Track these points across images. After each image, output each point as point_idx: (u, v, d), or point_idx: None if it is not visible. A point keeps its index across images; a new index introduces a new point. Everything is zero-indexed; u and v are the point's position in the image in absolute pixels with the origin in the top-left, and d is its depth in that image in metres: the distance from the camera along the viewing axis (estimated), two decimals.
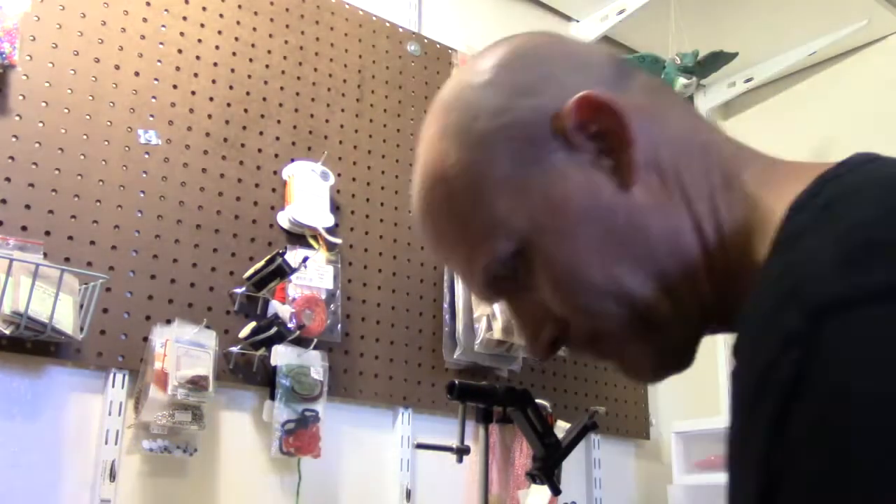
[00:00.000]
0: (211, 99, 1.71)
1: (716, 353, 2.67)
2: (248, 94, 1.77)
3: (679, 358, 0.62)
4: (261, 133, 1.77)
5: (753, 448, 0.40)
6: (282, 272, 1.61)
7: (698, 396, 2.58)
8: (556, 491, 1.62)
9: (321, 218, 1.76)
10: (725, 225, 0.55)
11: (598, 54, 0.61)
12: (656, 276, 0.55)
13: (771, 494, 0.39)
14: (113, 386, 1.48)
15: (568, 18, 2.60)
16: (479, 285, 0.60)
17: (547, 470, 1.60)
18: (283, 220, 1.74)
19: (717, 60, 2.28)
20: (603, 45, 0.55)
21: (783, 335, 0.40)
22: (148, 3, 1.67)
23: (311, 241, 1.77)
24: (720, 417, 2.47)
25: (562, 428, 1.80)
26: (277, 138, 1.79)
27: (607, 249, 0.55)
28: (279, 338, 1.61)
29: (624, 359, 0.60)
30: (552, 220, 0.56)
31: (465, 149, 0.57)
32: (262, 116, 1.78)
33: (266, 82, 1.80)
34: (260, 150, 1.75)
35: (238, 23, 1.79)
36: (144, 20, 1.66)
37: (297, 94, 1.84)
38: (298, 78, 1.85)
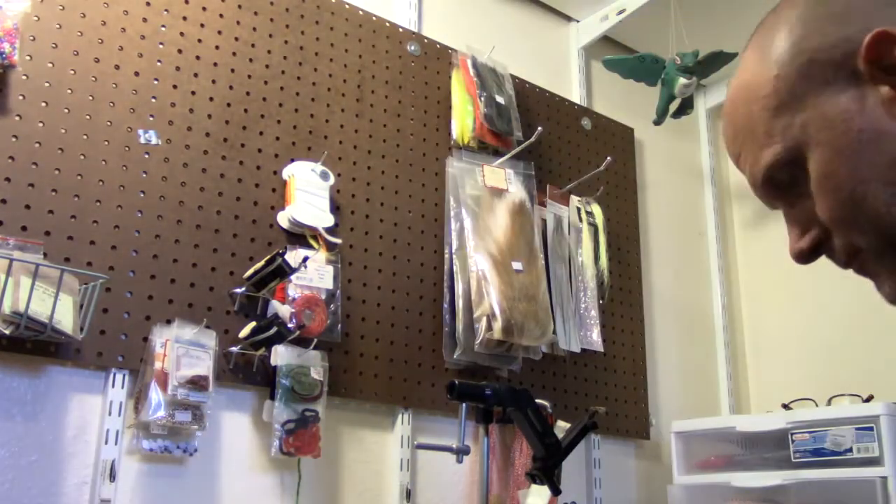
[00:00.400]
0: (211, 99, 1.71)
1: (716, 353, 2.68)
2: (248, 94, 1.77)
3: None
4: (261, 133, 1.77)
5: None
6: (282, 272, 1.61)
7: (698, 396, 2.58)
8: (556, 491, 1.62)
9: (321, 218, 1.76)
10: None
11: None
12: None
13: None
14: (113, 386, 1.48)
15: (568, 18, 2.60)
16: (759, 185, 0.69)
17: (547, 470, 1.60)
18: (283, 220, 1.74)
19: (717, 60, 2.28)
20: None
21: None
22: (148, 3, 1.67)
23: (311, 241, 1.77)
24: (720, 417, 2.48)
25: (562, 428, 1.80)
26: (277, 138, 1.79)
27: (873, 172, 0.62)
28: (279, 338, 1.61)
29: (877, 277, 0.67)
30: (829, 137, 0.63)
31: (770, 64, 0.66)
32: (262, 116, 1.78)
33: (266, 82, 1.80)
34: (260, 150, 1.76)
35: (238, 23, 1.79)
36: (144, 20, 1.66)
37: (297, 94, 1.84)
38: (298, 78, 1.85)
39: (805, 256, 0.70)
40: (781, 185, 0.68)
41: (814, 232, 0.68)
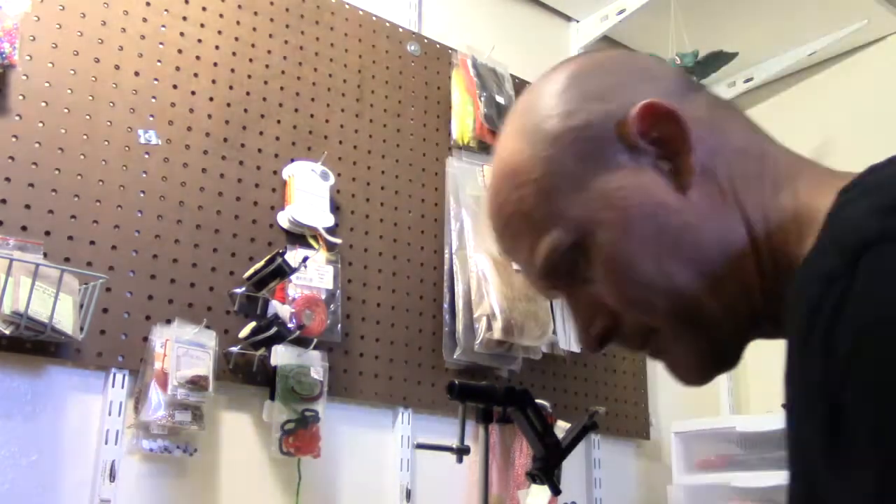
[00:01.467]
0: (211, 99, 1.71)
1: None
2: (248, 94, 1.77)
3: (725, 357, 0.65)
4: (261, 133, 1.77)
5: (811, 381, 0.45)
6: (282, 272, 1.61)
7: (698, 396, 2.58)
8: (556, 491, 1.62)
9: (321, 218, 1.76)
10: (776, 229, 0.58)
11: (667, 69, 0.66)
12: (705, 274, 0.59)
13: (835, 418, 0.42)
14: (113, 386, 1.48)
15: (568, 18, 2.60)
16: (538, 276, 0.64)
17: (547, 470, 1.60)
18: (283, 220, 1.74)
19: (717, 60, 2.28)
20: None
21: (826, 276, 0.45)
22: (148, 3, 1.67)
23: (311, 241, 1.77)
24: (720, 417, 2.48)
25: (562, 428, 1.80)
26: (277, 138, 1.79)
27: (660, 247, 0.59)
28: (279, 338, 1.61)
29: (672, 357, 0.63)
30: (610, 215, 0.60)
31: (536, 146, 0.62)
32: (262, 116, 1.78)
33: (266, 82, 1.80)
34: (260, 150, 1.75)
35: (238, 23, 1.79)
36: (144, 20, 1.66)
37: (297, 94, 1.84)
38: (298, 78, 1.85)
39: (596, 346, 0.65)
40: (561, 272, 0.63)
41: (601, 320, 0.63)
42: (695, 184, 0.59)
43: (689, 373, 0.65)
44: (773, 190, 0.59)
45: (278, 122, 1.80)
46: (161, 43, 1.67)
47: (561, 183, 0.61)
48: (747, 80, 2.79)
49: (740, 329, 0.63)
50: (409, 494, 1.82)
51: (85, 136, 1.53)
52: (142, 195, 1.58)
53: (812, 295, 0.46)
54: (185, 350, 1.50)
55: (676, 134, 0.59)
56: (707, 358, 0.64)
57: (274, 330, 1.59)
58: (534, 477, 1.62)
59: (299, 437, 1.61)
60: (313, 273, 1.72)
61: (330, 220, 1.77)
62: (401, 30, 2.08)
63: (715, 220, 0.59)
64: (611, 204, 0.60)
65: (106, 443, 1.44)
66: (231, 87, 1.74)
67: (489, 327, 1.88)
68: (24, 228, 1.43)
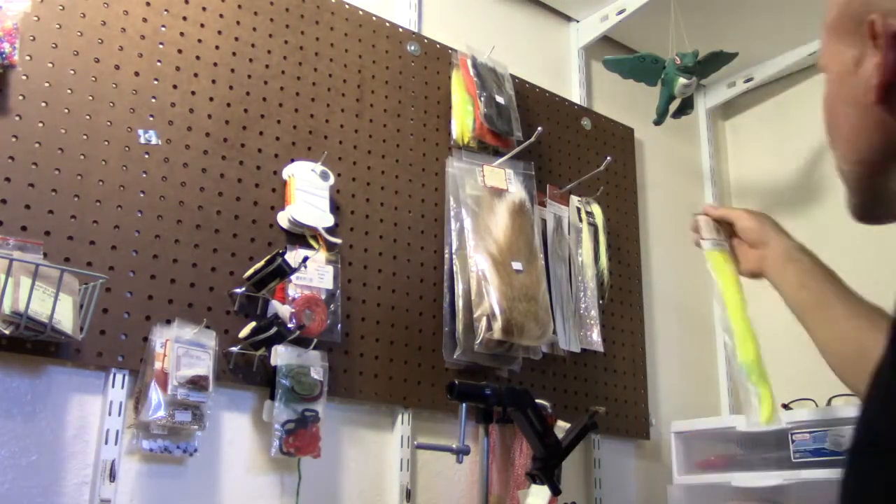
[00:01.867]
0: (211, 99, 1.71)
1: (716, 353, 2.67)
2: (248, 94, 1.77)
3: (858, 217, 0.80)
4: (261, 133, 1.77)
5: None
6: (282, 272, 1.61)
7: (698, 396, 2.58)
8: (556, 491, 1.62)
9: (321, 218, 1.76)
10: None
11: None
12: (863, 164, 0.75)
13: None
14: (113, 386, 1.48)
15: (568, 18, 2.60)
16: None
17: (547, 470, 1.60)
18: (283, 220, 1.74)
19: (717, 60, 2.28)
20: None
21: None
22: (148, 3, 1.67)
23: (311, 241, 1.77)
24: (720, 417, 2.48)
25: (562, 428, 1.80)
26: (277, 138, 1.79)
27: (841, 133, 0.76)
28: (279, 338, 1.61)
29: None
30: (832, 78, 0.77)
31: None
32: (262, 116, 1.78)
33: (266, 82, 1.80)
34: (260, 150, 1.76)
35: (238, 23, 1.79)
36: (144, 20, 1.66)
37: (297, 94, 1.84)
38: (298, 78, 1.85)
39: None
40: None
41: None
42: (880, 100, 0.69)
43: (849, 208, 0.81)
44: None
45: (278, 122, 1.80)
46: (161, 43, 1.67)
47: (830, 26, 0.76)
48: (747, 80, 2.79)
49: (881, 206, 0.77)
50: (409, 494, 1.82)
51: (85, 136, 1.53)
52: (142, 195, 1.58)
53: None
54: (185, 350, 1.50)
55: (885, 56, 0.68)
56: (853, 214, 0.80)
57: (274, 330, 1.59)
58: (534, 477, 1.62)
59: (299, 437, 1.61)
60: (313, 273, 1.72)
61: (330, 220, 1.77)
62: (401, 30, 2.08)
63: (883, 135, 0.71)
64: (836, 72, 0.75)
65: (106, 443, 1.44)
66: (231, 87, 1.74)
67: (489, 327, 1.88)
68: (24, 228, 1.43)
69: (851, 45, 0.72)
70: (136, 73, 1.62)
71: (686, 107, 2.35)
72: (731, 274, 1.69)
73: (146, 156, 1.60)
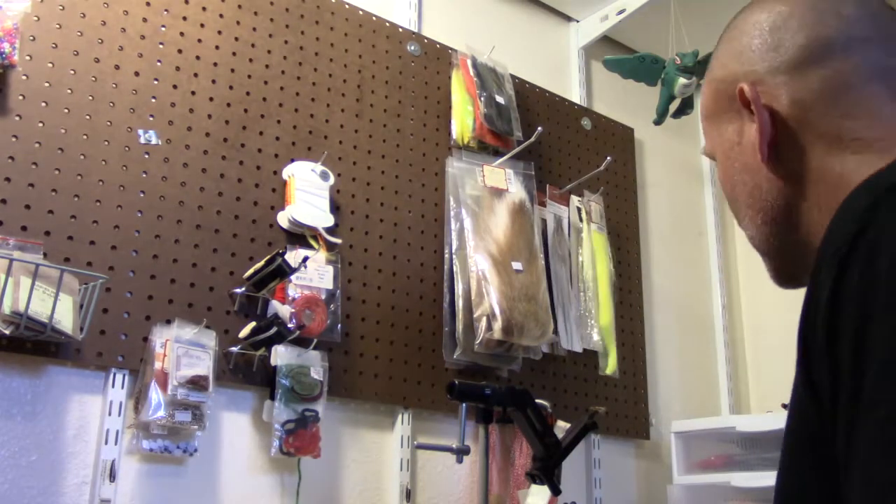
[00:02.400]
0: (211, 99, 1.71)
1: (716, 353, 2.68)
2: (248, 94, 1.77)
3: (780, 282, 0.82)
4: (261, 133, 1.77)
5: (825, 295, 0.56)
6: (282, 272, 1.61)
7: (698, 396, 2.58)
8: (556, 491, 1.62)
9: (321, 218, 1.76)
10: (822, 217, 0.70)
11: (797, 32, 0.75)
12: (767, 224, 0.77)
13: (836, 310, 0.55)
14: (113, 386, 1.48)
15: (568, 18, 2.60)
16: None
17: (547, 470, 1.60)
18: (283, 220, 1.74)
19: None
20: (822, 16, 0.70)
21: (862, 204, 0.57)
22: (148, 3, 1.67)
23: (311, 241, 1.77)
24: (720, 417, 2.48)
25: (562, 428, 1.80)
26: (277, 138, 1.79)
27: (741, 194, 0.79)
28: (279, 338, 1.61)
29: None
30: (721, 157, 0.80)
31: (709, 78, 0.82)
32: (262, 116, 1.78)
33: (266, 82, 1.80)
34: (260, 150, 1.75)
35: (238, 23, 1.79)
36: (144, 20, 1.66)
37: (297, 94, 1.84)
38: (298, 78, 1.85)
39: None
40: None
41: None
42: (766, 161, 0.74)
43: (772, 278, 0.83)
44: (832, 195, 0.70)
45: (278, 122, 1.80)
46: (161, 43, 1.67)
47: (708, 112, 0.81)
48: None
49: (798, 265, 0.78)
50: (409, 494, 1.82)
51: (85, 136, 1.53)
52: (142, 195, 1.58)
53: (840, 232, 0.58)
54: (185, 350, 1.50)
55: (758, 118, 0.74)
56: (775, 280, 0.82)
57: (274, 330, 1.59)
58: (534, 477, 1.62)
59: (299, 437, 1.61)
60: (313, 273, 1.72)
61: (330, 220, 1.77)
62: (401, 30, 2.08)
63: (776, 192, 0.75)
64: (723, 148, 0.79)
65: (106, 443, 1.44)
66: (231, 87, 1.74)
67: (489, 327, 1.88)
68: (24, 228, 1.43)
69: (730, 121, 0.78)
70: (136, 73, 1.62)
71: (686, 107, 2.35)
72: (605, 257, 2.20)
73: (146, 156, 1.60)
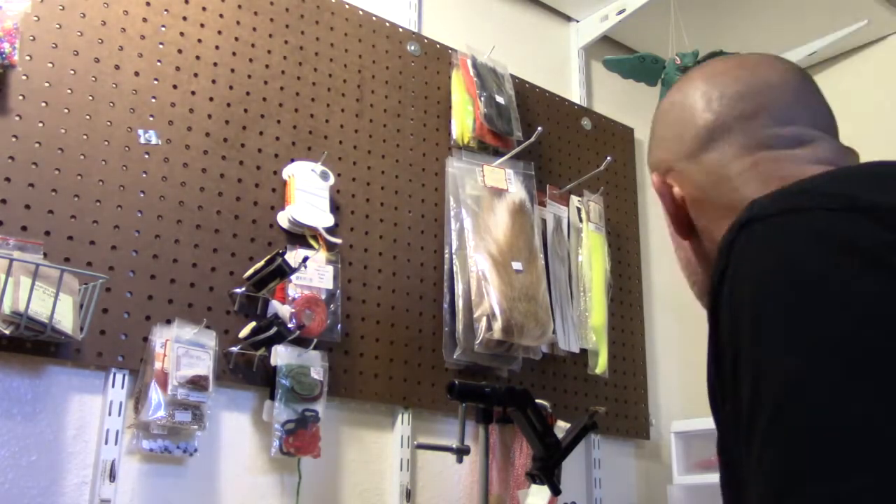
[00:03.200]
0: (211, 99, 1.71)
1: None
2: (248, 94, 1.77)
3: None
4: (261, 133, 1.77)
5: (709, 314, 0.68)
6: (282, 272, 1.61)
7: (698, 396, 2.58)
8: (556, 491, 1.62)
9: (321, 218, 1.76)
10: None
11: (690, 122, 0.82)
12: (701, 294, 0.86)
13: (716, 336, 0.67)
14: (113, 386, 1.48)
15: (568, 18, 2.60)
16: None
17: (547, 470, 1.60)
18: (283, 220, 1.74)
19: None
20: (715, 99, 0.80)
21: (724, 243, 0.65)
22: (148, 3, 1.67)
23: (311, 241, 1.77)
24: None
25: (562, 428, 1.80)
26: (277, 138, 1.79)
27: (680, 266, 0.88)
28: (279, 338, 1.61)
29: None
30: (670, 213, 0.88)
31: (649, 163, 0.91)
32: (262, 116, 1.78)
33: (266, 82, 1.80)
34: (260, 150, 1.76)
35: (238, 23, 1.79)
36: (144, 20, 1.66)
37: (297, 94, 1.84)
38: (298, 78, 1.85)
39: None
40: None
41: None
42: (684, 237, 0.84)
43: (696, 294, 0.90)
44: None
45: (278, 122, 1.80)
46: (161, 43, 1.67)
47: (655, 190, 0.87)
48: None
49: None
50: (409, 494, 1.82)
51: (85, 136, 1.53)
52: (142, 195, 1.58)
53: (717, 256, 0.67)
54: (185, 350, 1.50)
55: (664, 203, 0.84)
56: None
57: (274, 330, 1.59)
58: (534, 477, 1.62)
59: (299, 437, 1.61)
60: (313, 273, 1.72)
61: (330, 220, 1.77)
62: (401, 30, 2.08)
63: (698, 259, 0.83)
64: (669, 225, 0.86)
65: (106, 443, 1.44)
66: (231, 87, 1.74)
67: (489, 327, 1.88)
68: (24, 228, 1.43)
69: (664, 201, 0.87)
70: (136, 73, 1.62)
71: None
72: (602, 257, 2.22)
73: (146, 156, 1.60)
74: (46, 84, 1.51)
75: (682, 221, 0.83)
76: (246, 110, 1.75)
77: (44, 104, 1.50)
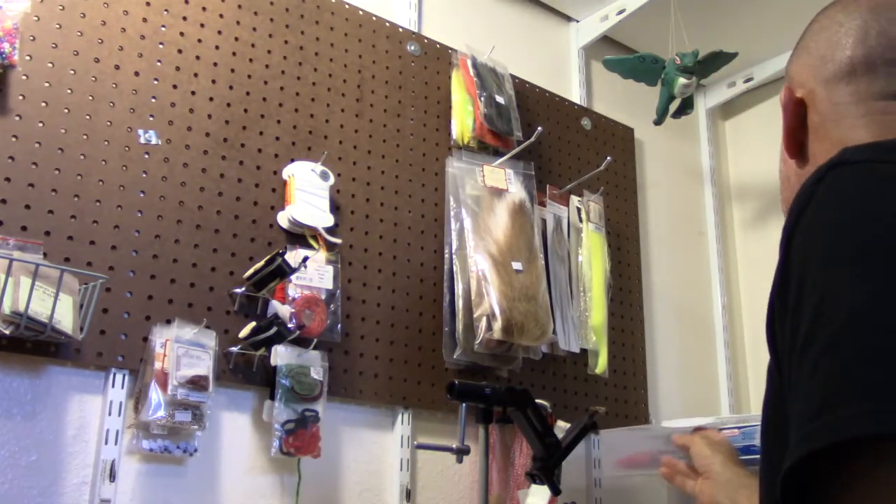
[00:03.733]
0: (211, 99, 1.71)
1: (716, 353, 2.67)
2: (248, 94, 1.77)
3: None
4: (261, 133, 1.77)
5: (782, 244, 0.66)
6: (282, 272, 1.61)
7: (698, 396, 2.58)
8: (556, 491, 1.62)
9: (321, 218, 1.76)
10: None
11: (843, 49, 0.81)
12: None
13: (786, 268, 0.64)
14: (113, 386, 1.48)
15: (568, 18, 2.60)
16: None
17: (547, 470, 1.60)
18: (283, 220, 1.74)
19: (717, 60, 2.28)
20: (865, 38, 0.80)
21: (813, 178, 0.66)
22: (148, 3, 1.67)
23: (311, 241, 1.77)
24: (720, 417, 2.48)
25: (562, 428, 1.80)
26: (277, 138, 1.79)
27: (780, 180, 0.90)
28: (279, 338, 1.61)
29: None
30: (782, 144, 0.88)
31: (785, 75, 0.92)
32: (262, 116, 1.78)
33: (266, 82, 1.80)
34: (260, 150, 1.75)
35: (238, 23, 1.79)
36: (144, 20, 1.66)
37: (297, 94, 1.84)
38: (298, 78, 1.85)
39: None
40: None
41: None
42: (796, 156, 0.84)
43: None
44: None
45: (278, 122, 1.80)
46: (161, 43, 1.67)
47: (781, 102, 0.87)
48: (747, 80, 2.79)
49: None
50: (409, 494, 1.82)
51: (85, 136, 1.53)
52: (142, 195, 1.58)
53: (799, 194, 0.67)
54: (185, 350, 1.50)
55: (788, 117, 0.84)
56: None
57: (274, 330, 1.59)
58: (534, 477, 1.62)
59: (299, 437, 1.61)
60: (313, 273, 1.72)
61: (330, 220, 1.77)
62: (401, 30, 2.08)
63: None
64: (782, 136, 0.87)
65: (106, 443, 1.44)
66: (231, 87, 1.74)
67: (489, 327, 1.88)
68: (24, 228, 1.43)
69: (787, 117, 0.87)
70: (136, 73, 1.62)
71: (686, 107, 2.35)
72: (602, 257, 2.25)
73: (146, 156, 1.60)
74: (46, 84, 1.51)
75: (795, 140, 0.83)
76: (246, 110, 1.75)
77: (44, 104, 1.50)
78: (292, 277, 1.66)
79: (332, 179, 1.81)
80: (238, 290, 1.64)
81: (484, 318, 1.89)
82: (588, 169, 2.34)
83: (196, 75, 1.70)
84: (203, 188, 1.66)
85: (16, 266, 1.29)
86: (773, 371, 0.67)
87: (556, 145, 2.34)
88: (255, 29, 1.81)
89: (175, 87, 1.67)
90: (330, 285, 1.74)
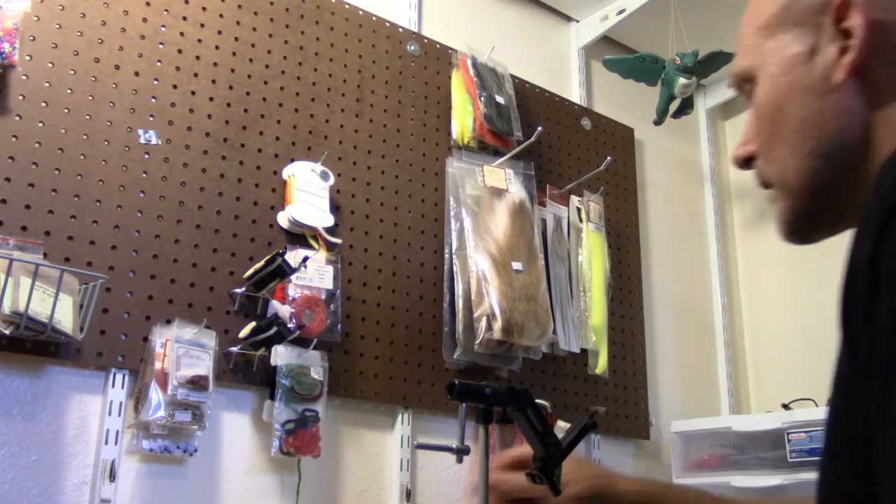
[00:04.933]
0: (211, 99, 1.71)
1: (716, 353, 2.67)
2: (248, 94, 1.77)
3: (794, 228, 0.74)
4: (261, 133, 1.77)
5: (863, 258, 0.53)
6: (282, 272, 1.61)
7: (698, 396, 2.58)
8: (556, 491, 1.61)
9: (321, 218, 1.76)
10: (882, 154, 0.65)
11: None
12: (815, 158, 0.69)
13: (875, 286, 0.52)
14: (113, 386, 1.48)
15: (568, 18, 2.60)
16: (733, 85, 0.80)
17: (547, 470, 1.59)
18: (283, 220, 1.74)
19: (717, 60, 2.28)
20: None
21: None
22: (148, 3, 1.67)
23: (311, 241, 1.77)
24: (720, 417, 2.48)
25: (562, 428, 1.80)
26: (277, 138, 1.79)
27: (791, 122, 0.70)
28: (279, 338, 1.61)
29: (776, 212, 0.75)
30: (776, 73, 0.71)
31: None
32: (262, 116, 1.78)
33: (266, 82, 1.80)
34: (260, 150, 1.75)
35: (238, 23, 1.79)
36: (144, 20, 1.66)
37: (297, 94, 1.84)
38: (298, 78, 1.85)
39: (736, 163, 0.78)
40: (744, 93, 0.77)
41: (750, 146, 0.76)
42: (844, 84, 0.66)
43: (779, 230, 0.75)
44: None
45: (278, 122, 1.80)
46: (161, 43, 1.67)
47: (765, 25, 0.73)
48: None
49: (826, 213, 0.72)
50: (409, 494, 1.82)
51: (85, 136, 1.53)
52: (142, 195, 1.58)
53: (885, 198, 0.54)
54: (185, 350, 1.50)
55: (855, 33, 0.66)
56: (787, 225, 0.74)
57: (274, 330, 1.59)
58: (534, 477, 1.62)
59: (299, 437, 1.61)
60: (313, 273, 1.72)
61: (330, 220, 1.77)
62: (401, 30, 2.08)
63: (846, 120, 0.67)
64: (782, 63, 0.71)
65: (106, 443, 1.44)
66: (231, 87, 1.74)
67: (489, 327, 1.88)
68: (24, 228, 1.43)
69: (799, 37, 0.70)
70: (136, 73, 1.62)
71: (686, 107, 2.35)
72: (602, 257, 2.21)
73: (146, 156, 1.60)
74: (46, 84, 1.51)
75: (850, 60, 0.67)
76: (246, 110, 1.75)
77: (44, 104, 1.50)
78: (292, 277, 1.66)
79: (332, 179, 1.81)
80: (238, 290, 1.64)
81: (484, 318, 1.89)
82: (588, 169, 2.34)
83: (196, 75, 1.70)
84: (203, 188, 1.66)
85: (16, 266, 1.29)
86: (846, 365, 0.59)
87: (556, 145, 2.34)
88: (255, 29, 1.81)
89: (175, 87, 1.67)
90: (330, 285, 1.74)
